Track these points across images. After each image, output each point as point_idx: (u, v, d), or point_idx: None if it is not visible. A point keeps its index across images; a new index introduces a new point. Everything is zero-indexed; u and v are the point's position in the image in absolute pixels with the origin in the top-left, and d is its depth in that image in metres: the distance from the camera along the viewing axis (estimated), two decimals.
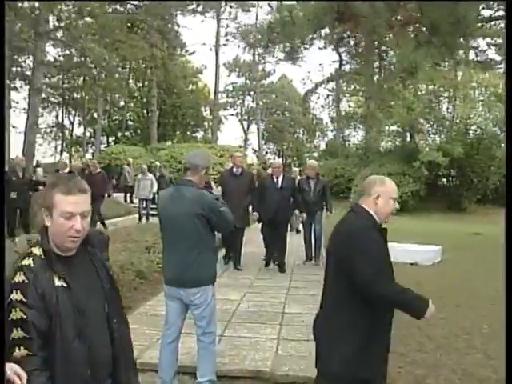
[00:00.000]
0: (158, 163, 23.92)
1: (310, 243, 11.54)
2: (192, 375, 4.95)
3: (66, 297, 2.22)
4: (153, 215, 16.46)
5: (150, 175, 19.02)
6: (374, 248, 3.15)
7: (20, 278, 2.18)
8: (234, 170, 10.37)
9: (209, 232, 4.62)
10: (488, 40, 18.00)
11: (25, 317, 2.13)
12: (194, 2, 28.85)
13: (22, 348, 2.11)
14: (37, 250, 2.28)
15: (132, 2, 29.21)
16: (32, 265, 2.22)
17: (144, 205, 18.56)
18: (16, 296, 2.14)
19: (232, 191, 9.80)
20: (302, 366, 5.11)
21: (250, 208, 10.98)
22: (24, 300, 2.15)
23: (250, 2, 43.00)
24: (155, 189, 18.37)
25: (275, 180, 10.49)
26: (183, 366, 4.97)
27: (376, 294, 3.09)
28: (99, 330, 2.34)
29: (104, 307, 2.38)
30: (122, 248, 8.05)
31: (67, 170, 15.26)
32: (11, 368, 1.98)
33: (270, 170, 13.66)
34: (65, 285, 2.24)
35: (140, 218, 18.16)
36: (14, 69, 42.70)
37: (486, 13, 9.77)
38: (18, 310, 2.13)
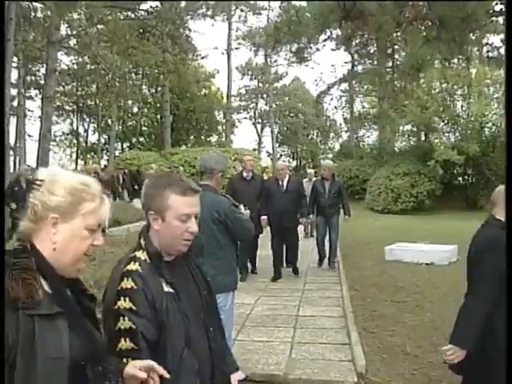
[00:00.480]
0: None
1: (323, 245, 11.15)
2: None
3: (175, 304, 2.09)
4: None
5: None
6: None
7: (128, 284, 2.04)
8: (245, 174, 9.90)
9: (228, 239, 4.53)
10: (502, 36, 17.79)
11: (134, 327, 1.99)
12: (203, 6, 28.88)
13: (129, 360, 1.93)
14: (141, 254, 2.14)
15: (143, 8, 29.33)
16: (140, 270, 2.08)
17: None
18: (124, 304, 2.00)
19: (242, 197, 9.15)
20: (316, 369, 5.05)
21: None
22: (133, 308, 2.00)
23: (260, 2, 43.00)
24: None
25: (280, 183, 9.89)
26: None
27: None
28: (200, 340, 2.18)
29: (201, 314, 2.24)
30: None
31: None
32: (147, 364, 1.83)
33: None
34: (172, 291, 2.11)
35: None
36: (28, 78, 43.17)
37: (497, 7, 9.68)
38: (126, 318, 1.99)
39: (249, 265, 10.49)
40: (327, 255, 11.17)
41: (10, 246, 1.69)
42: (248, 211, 6.62)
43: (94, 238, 1.75)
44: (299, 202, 10.05)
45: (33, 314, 1.52)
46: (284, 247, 10.45)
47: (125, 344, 1.98)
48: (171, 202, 2.12)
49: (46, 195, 1.68)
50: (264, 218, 9.76)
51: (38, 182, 1.71)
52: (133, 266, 2.09)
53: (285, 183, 9.88)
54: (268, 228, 10.22)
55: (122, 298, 2.02)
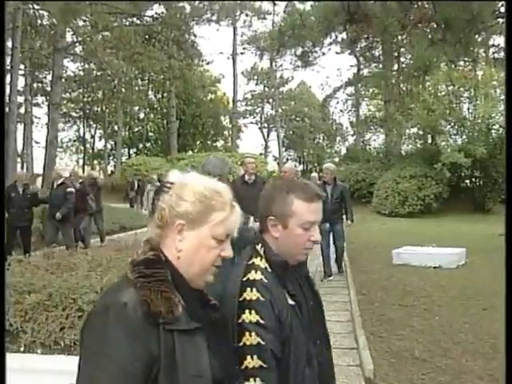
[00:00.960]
0: (154, 176, 23.00)
1: (328, 257, 10.44)
2: None
3: (297, 317, 1.93)
4: None
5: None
6: None
7: (253, 295, 1.86)
8: (246, 177, 9.14)
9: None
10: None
11: (263, 342, 1.80)
12: (208, 11, 28.98)
13: (257, 380, 1.77)
14: (259, 262, 1.97)
15: (148, 14, 29.46)
16: (264, 280, 1.91)
17: None
18: (250, 317, 1.82)
19: (245, 201, 8.80)
20: None
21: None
22: (261, 322, 1.82)
23: (265, 7, 43.05)
24: None
25: None
26: None
27: None
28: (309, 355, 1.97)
29: (309, 327, 2.02)
30: None
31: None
32: None
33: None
34: (294, 303, 1.95)
35: None
36: (34, 85, 43.41)
37: (503, 8, 9.58)
38: (253, 333, 1.81)
39: None
40: (333, 262, 10.59)
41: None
42: (257, 223, 6.77)
43: (222, 249, 1.61)
44: None
45: (173, 329, 1.45)
46: None
47: (252, 362, 1.80)
48: (296, 209, 1.98)
49: (175, 199, 1.57)
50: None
51: (168, 185, 1.60)
52: (255, 275, 1.92)
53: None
54: None
55: (246, 311, 1.84)
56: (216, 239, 1.59)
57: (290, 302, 1.94)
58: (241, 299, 1.87)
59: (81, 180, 13.40)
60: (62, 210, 11.10)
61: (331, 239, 10.38)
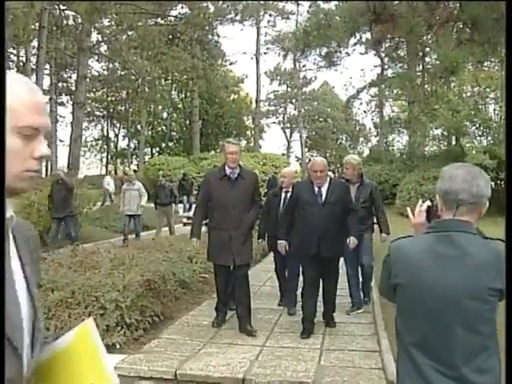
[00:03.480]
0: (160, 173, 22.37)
1: (356, 282, 7.68)
2: None
3: None
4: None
5: (138, 184, 14.39)
6: None
7: None
8: (228, 171, 6.54)
9: None
10: None
11: None
12: (232, 11, 29.03)
13: None
14: None
15: (172, 14, 29.59)
16: None
17: (131, 223, 14.22)
18: None
19: (223, 205, 6.64)
20: (345, 377, 4.95)
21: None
22: None
23: (289, 7, 43.00)
24: (144, 201, 14.19)
25: (317, 190, 6.44)
26: (223, 378, 4.91)
27: None
28: None
29: None
30: (163, 258, 8.02)
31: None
32: None
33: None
34: None
35: (125, 239, 13.72)
36: (59, 84, 43.91)
37: None
38: None
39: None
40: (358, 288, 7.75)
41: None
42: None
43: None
44: (345, 219, 6.53)
45: None
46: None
47: None
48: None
49: None
50: (282, 243, 6.84)
51: None
52: None
53: (324, 191, 6.45)
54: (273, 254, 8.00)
55: None
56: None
57: None
58: None
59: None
60: None
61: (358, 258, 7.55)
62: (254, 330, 6.38)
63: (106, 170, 51.40)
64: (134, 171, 25.76)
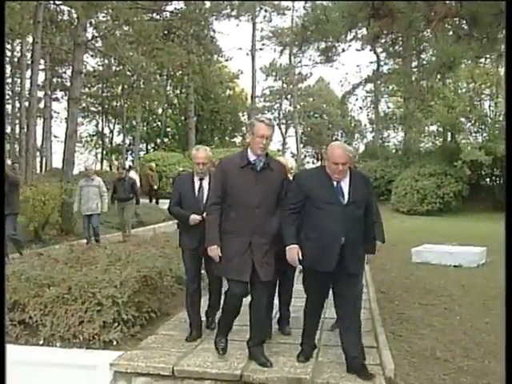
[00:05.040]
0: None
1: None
2: (230, 382, 4.88)
3: None
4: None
5: (98, 179, 13.00)
6: None
7: None
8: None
9: None
10: None
11: None
12: (228, 6, 28.98)
13: None
14: None
15: (168, 9, 29.51)
16: None
17: (91, 223, 12.78)
18: None
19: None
20: (343, 373, 4.95)
21: None
22: None
23: (285, 2, 42.93)
24: (105, 204, 12.88)
25: (336, 186, 5.00)
26: (221, 374, 4.90)
27: None
28: None
29: None
30: (160, 254, 8.01)
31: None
32: None
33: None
34: None
35: (88, 241, 12.48)
36: (54, 80, 43.77)
37: None
38: None
39: None
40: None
41: None
42: None
43: None
44: (367, 223, 5.11)
45: None
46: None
47: None
48: None
49: None
50: (294, 248, 4.91)
51: None
52: None
53: (345, 186, 4.92)
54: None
55: None
56: None
57: None
58: None
59: None
60: None
61: None
62: (269, 361, 5.14)
63: (101, 166, 51.31)
64: (130, 167, 25.72)
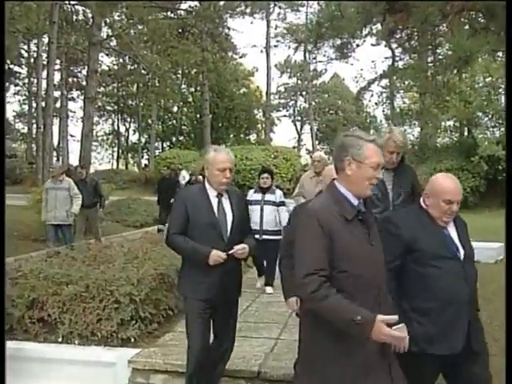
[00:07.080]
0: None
1: None
2: (248, 379, 4.87)
3: None
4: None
5: (68, 181, 10.74)
6: None
7: None
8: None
9: None
10: None
11: None
12: (242, 4, 28.99)
13: None
14: None
15: (182, 8, 29.56)
16: None
17: (63, 236, 10.60)
18: None
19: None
20: None
21: None
22: None
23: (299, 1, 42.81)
24: (76, 206, 10.53)
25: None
26: (238, 371, 4.90)
27: None
28: None
29: None
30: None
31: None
32: None
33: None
34: None
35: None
36: (70, 79, 44.07)
37: None
38: None
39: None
40: None
41: None
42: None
43: None
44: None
45: None
46: None
47: None
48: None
49: None
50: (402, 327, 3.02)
51: None
52: None
53: (453, 233, 3.51)
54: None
55: None
56: None
57: None
58: None
59: None
60: None
61: None
62: None
63: (117, 165, 51.62)
64: (145, 165, 25.82)
